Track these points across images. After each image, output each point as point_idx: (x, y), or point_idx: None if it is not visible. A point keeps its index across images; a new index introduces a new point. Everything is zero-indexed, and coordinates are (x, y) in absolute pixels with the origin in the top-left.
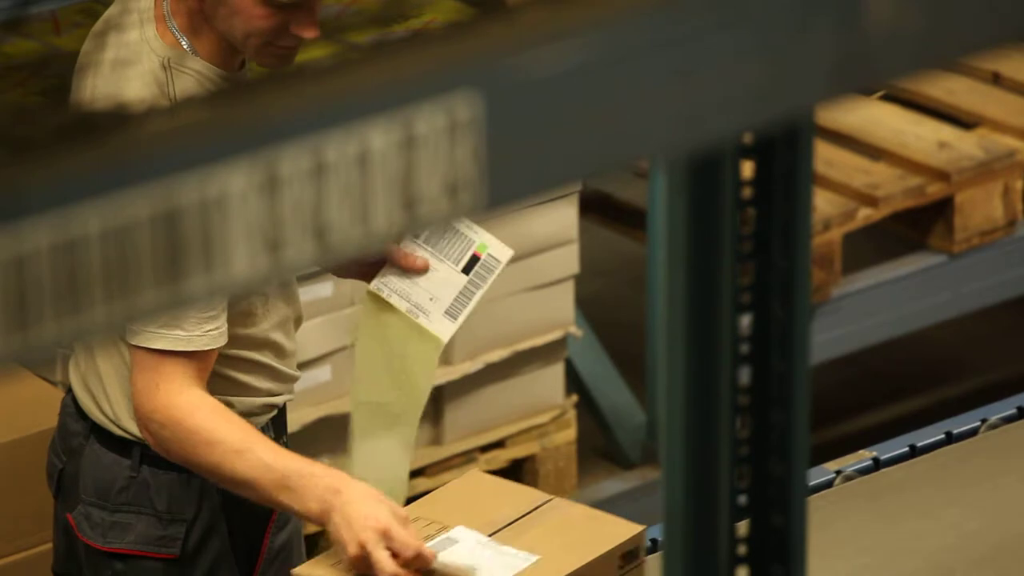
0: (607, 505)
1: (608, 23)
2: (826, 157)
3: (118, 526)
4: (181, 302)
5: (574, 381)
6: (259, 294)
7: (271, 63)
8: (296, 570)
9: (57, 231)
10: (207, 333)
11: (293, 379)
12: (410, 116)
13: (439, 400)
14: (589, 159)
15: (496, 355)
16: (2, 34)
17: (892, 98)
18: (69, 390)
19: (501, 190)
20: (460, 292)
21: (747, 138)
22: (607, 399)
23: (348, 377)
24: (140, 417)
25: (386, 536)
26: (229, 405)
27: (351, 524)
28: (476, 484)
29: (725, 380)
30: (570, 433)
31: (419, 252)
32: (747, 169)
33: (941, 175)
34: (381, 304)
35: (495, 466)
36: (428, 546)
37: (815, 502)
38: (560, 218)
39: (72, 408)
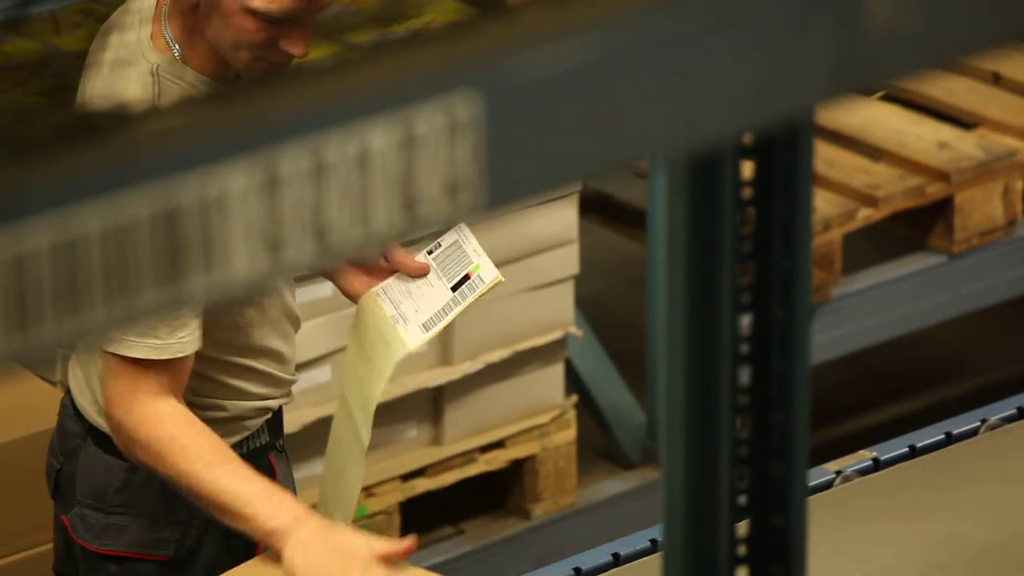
0: (607, 505)
1: (608, 23)
2: (826, 157)
3: (113, 528)
4: (181, 302)
5: (574, 381)
6: (253, 303)
7: (263, 70)
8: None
9: (57, 231)
10: (180, 340)
11: (290, 383)
12: (410, 116)
13: (439, 400)
14: (589, 159)
15: (496, 355)
16: (2, 34)
17: (892, 98)
18: (68, 391)
19: (501, 190)
20: (441, 307)
21: (747, 138)
22: (607, 399)
23: None
24: (112, 423)
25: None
26: (221, 408)
27: (303, 563)
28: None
29: (725, 380)
30: (570, 433)
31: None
32: (747, 169)
33: (941, 175)
34: (370, 308)
35: (495, 466)
36: None
37: (815, 502)
38: (560, 218)
39: (70, 409)
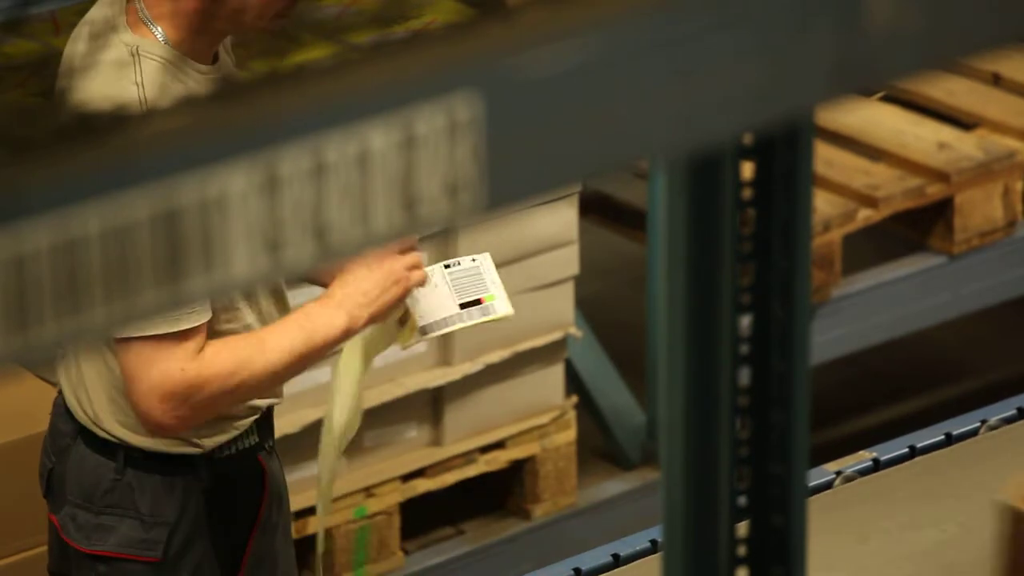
0: (607, 505)
1: (608, 23)
2: (826, 157)
3: (102, 528)
4: (181, 302)
5: (574, 381)
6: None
7: (274, 25)
8: None
9: (57, 231)
10: (194, 310)
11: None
12: (410, 116)
13: (439, 401)
14: (589, 159)
15: (496, 356)
16: (2, 34)
17: (892, 99)
18: (60, 390)
19: (501, 190)
20: (444, 318)
21: (747, 138)
22: (607, 399)
23: None
24: (171, 403)
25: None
26: None
27: (367, 281)
28: None
29: (725, 380)
30: (570, 434)
31: (437, 276)
32: (747, 169)
33: (941, 176)
34: None
35: (495, 467)
36: None
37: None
38: (560, 218)
39: (62, 408)
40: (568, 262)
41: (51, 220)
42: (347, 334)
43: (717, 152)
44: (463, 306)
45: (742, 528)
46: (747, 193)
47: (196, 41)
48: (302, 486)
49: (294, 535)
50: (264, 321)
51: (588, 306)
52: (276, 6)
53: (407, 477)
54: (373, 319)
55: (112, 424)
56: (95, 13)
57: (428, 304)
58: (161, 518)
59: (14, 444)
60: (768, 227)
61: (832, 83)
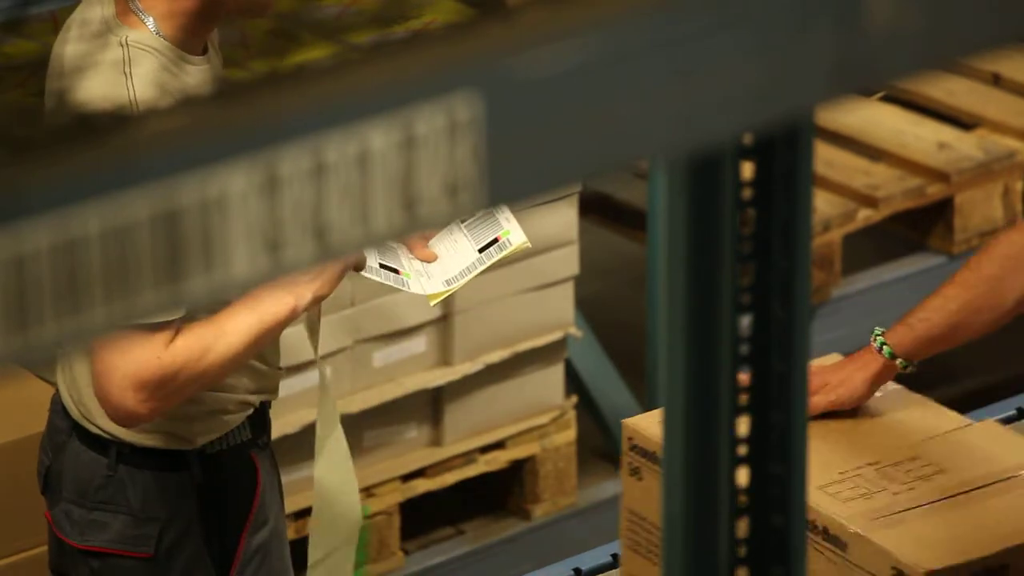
0: (607, 506)
1: (608, 23)
2: (826, 158)
3: (95, 524)
4: (181, 302)
5: (574, 381)
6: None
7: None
8: None
9: (57, 231)
10: None
11: (275, 379)
12: (410, 116)
13: (439, 401)
14: (589, 159)
15: (496, 356)
16: (2, 34)
17: (892, 99)
18: (57, 387)
19: (501, 190)
20: (466, 267)
21: (747, 138)
22: (607, 399)
23: (346, 378)
24: (136, 395)
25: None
26: (198, 402)
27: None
28: None
29: (725, 380)
30: (570, 434)
31: (455, 228)
32: (747, 169)
33: (941, 176)
34: None
35: (495, 467)
36: None
37: None
38: (560, 218)
39: (59, 405)
40: (568, 262)
41: (51, 220)
42: (295, 312)
43: (717, 152)
44: (482, 250)
45: (742, 528)
46: (747, 193)
47: (188, 32)
48: (301, 486)
49: (293, 535)
50: None
51: (588, 306)
52: None
53: (407, 477)
54: (317, 297)
55: (102, 420)
56: (85, 13)
57: (451, 258)
58: (153, 514)
59: (14, 444)
60: (768, 227)
61: (832, 83)
